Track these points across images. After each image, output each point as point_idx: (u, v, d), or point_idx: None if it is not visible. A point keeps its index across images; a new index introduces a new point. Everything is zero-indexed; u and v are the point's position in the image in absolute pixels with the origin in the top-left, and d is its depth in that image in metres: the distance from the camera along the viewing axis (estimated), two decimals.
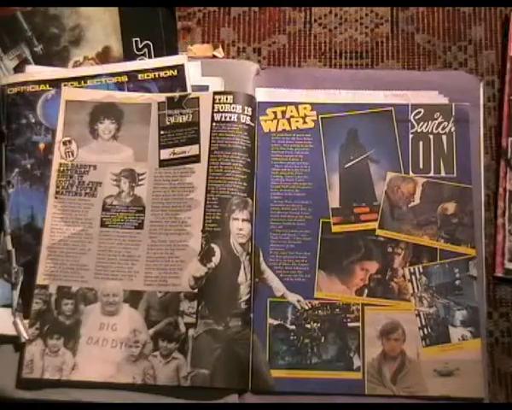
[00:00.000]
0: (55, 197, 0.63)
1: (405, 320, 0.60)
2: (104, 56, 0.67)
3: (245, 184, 0.63)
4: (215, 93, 0.64)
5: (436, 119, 0.65)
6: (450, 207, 0.63)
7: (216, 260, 0.61)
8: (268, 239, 0.63)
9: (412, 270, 0.61)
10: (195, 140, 0.64)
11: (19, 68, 0.66)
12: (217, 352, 0.59)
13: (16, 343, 0.60)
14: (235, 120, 0.64)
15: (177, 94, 0.65)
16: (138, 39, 0.66)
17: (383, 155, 0.64)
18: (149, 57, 0.66)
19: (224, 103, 0.64)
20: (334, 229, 0.62)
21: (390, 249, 0.62)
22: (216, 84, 0.65)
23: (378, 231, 0.62)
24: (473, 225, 0.62)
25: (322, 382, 0.59)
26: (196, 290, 0.60)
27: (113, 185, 0.64)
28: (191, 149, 0.64)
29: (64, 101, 0.65)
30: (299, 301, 0.61)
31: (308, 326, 0.61)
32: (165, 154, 0.64)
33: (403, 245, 0.62)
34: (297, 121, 0.65)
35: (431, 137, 0.64)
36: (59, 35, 0.67)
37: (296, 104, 0.65)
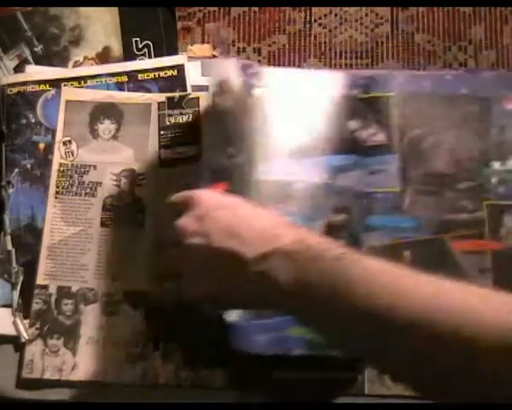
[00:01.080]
0: (55, 197, 0.63)
1: None
2: (104, 56, 0.67)
3: None
4: None
5: None
6: None
7: None
8: None
9: None
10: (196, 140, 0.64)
11: (19, 68, 0.66)
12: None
13: (16, 343, 0.60)
14: None
15: (177, 94, 0.65)
16: (138, 39, 0.66)
17: None
18: (149, 57, 0.66)
19: None
20: None
21: None
22: None
23: None
24: None
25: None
26: None
27: (113, 185, 0.64)
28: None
29: (64, 101, 0.65)
30: None
31: None
32: (166, 154, 0.64)
33: None
34: None
35: None
36: (59, 35, 0.67)
37: None
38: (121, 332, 0.60)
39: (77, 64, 0.67)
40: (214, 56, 0.69)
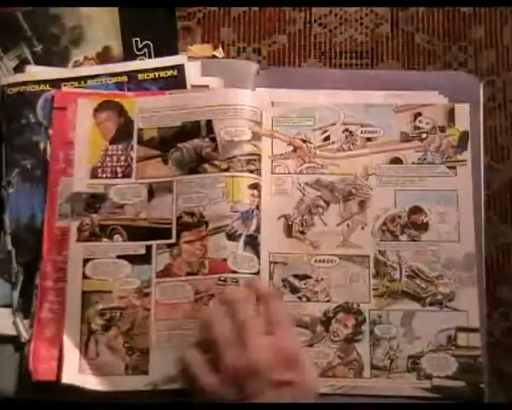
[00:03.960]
0: None
1: None
2: (104, 56, 0.67)
3: None
4: None
5: None
6: None
7: None
8: None
9: None
10: None
11: (19, 68, 0.66)
12: None
13: (16, 343, 0.60)
14: None
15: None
16: (138, 39, 0.66)
17: None
18: (149, 57, 0.66)
19: None
20: None
21: None
22: (216, 84, 0.65)
23: None
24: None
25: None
26: None
27: None
28: None
29: None
30: None
31: None
32: None
33: None
34: None
35: None
36: (59, 35, 0.67)
37: None
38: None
39: (77, 64, 0.67)
40: (214, 56, 0.69)
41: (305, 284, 0.60)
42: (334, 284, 0.60)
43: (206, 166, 0.61)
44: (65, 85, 0.65)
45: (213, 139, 0.61)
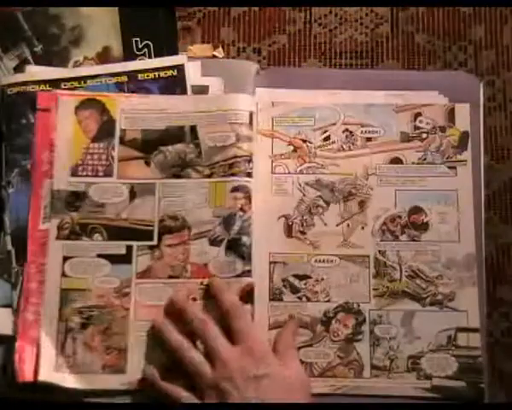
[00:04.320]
0: None
1: None
2: (104, 56, 0.67)
3: None
4: None
5: None
6: None
7: None
8: None
9: None
10: None
11: (19, 68, 0.66)
12: None
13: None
14: None
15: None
16: (138, 39, 0.66)
17: None
18: (149, 57, 0.66)
19: None
20: None
21: None
22: (216, 84, 0.65)
23: None
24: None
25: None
26: None
27: None
28: None
29: None
30: None
31: None
32: None
33: None
34: None
35: None
36: (59, 35, 0.67)
37: None
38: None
39: (77, 64, 0.67)
40: (214, 56, 0.69)
41: (305, 284, 0.60)
42: (335, 284, 0.60)
43: (190, 170, 0.61)
44: (65, 85, 0.65)
45: (197, 145, 0.61)
